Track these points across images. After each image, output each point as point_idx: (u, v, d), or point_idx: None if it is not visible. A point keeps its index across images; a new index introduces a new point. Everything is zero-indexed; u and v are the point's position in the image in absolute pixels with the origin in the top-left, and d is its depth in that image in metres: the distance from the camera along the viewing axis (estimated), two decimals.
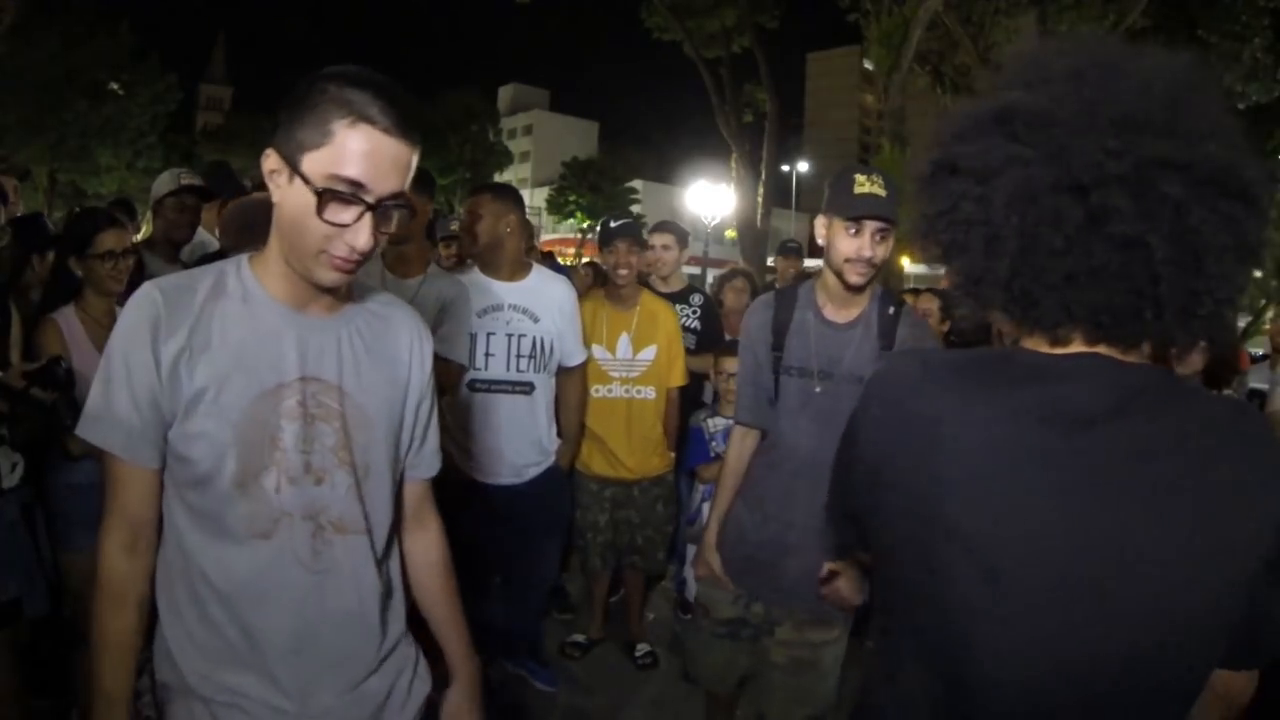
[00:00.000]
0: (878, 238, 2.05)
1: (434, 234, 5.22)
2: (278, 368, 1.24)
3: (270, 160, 1.18)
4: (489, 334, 3.02)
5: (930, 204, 0.96)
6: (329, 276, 1.21)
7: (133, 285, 3.37)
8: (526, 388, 3.06)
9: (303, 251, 1.19)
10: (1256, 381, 3.70)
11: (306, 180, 1.14)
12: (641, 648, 3.65)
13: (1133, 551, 0.84)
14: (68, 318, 2.52)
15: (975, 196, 0.91)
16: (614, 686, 3.45)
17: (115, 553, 1.23)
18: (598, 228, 3.63)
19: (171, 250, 3.52)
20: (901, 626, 1.01)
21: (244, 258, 1.29)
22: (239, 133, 41.42)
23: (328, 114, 1.13)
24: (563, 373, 3.20)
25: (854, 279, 2.07)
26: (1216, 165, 0.83)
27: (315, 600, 1.27)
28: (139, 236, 3.52)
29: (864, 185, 2.03)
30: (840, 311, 2.18)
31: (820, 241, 2.13)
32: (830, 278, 2.15)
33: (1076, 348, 0.92)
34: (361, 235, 1.17)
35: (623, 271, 3.38)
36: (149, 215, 3.67)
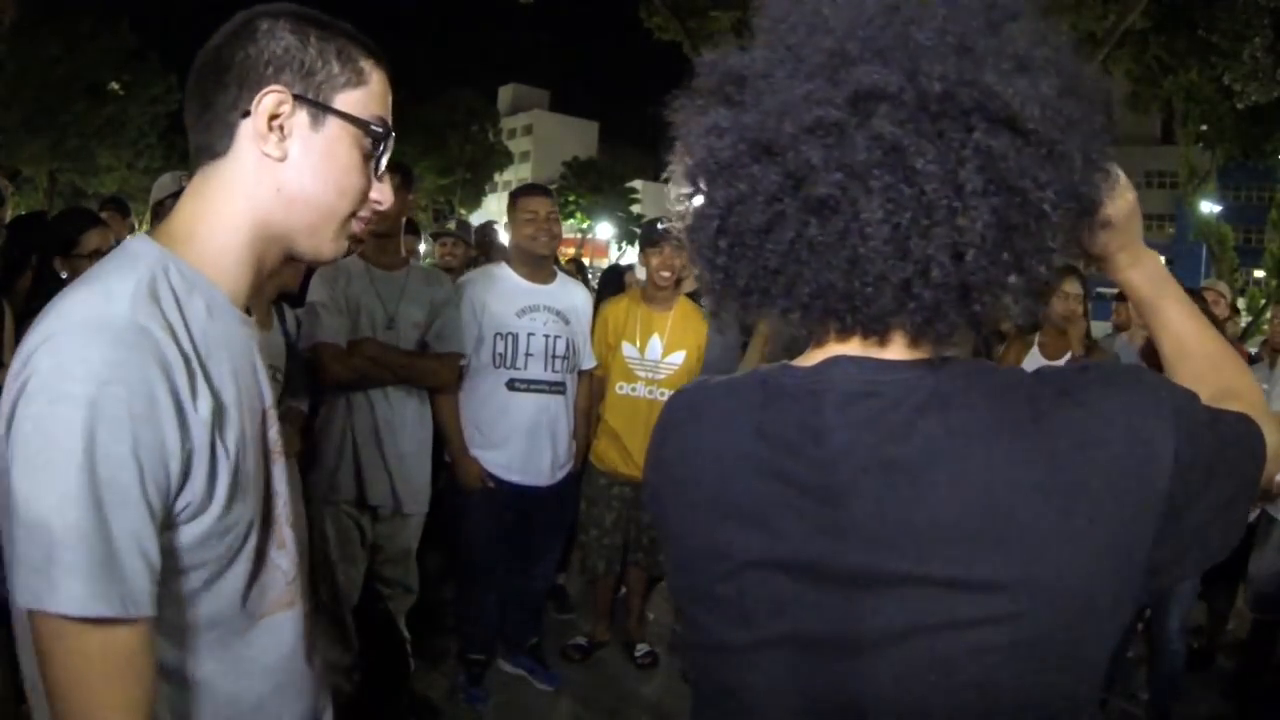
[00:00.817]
0: None
1: (415, 229, 5.24)
2: (257, 402, 0.95)
3: (275, 100, 0.89)
4: (529, 334, 3.05)
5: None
6: (341, 246, 0.98)
7: None
8: (561, 388, 3.13)
9: (328, 214, 0.94)
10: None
11: (358, 122, 0.93)
12: (641, 648, 3.64)
13: None
14: None
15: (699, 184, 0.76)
16: (614, 686, 3.45)
17: None
18: (639, 230, 3.69)
19: None
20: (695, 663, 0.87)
21: (159, 252, 0.89)
22: None
23: (351, 49, 0.93)
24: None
25: None
26: (949, 86, 0.63)
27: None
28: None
29: None
30: None
31: None
32: None
33: (896, 352, 0.73)
34: (387, 190, 0.99)
35: (665, 274, 3.38)
36: (147, 216, 3.67)
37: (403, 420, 2.79)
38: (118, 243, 3.33)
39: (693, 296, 3.48)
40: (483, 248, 5.48)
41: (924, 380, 0.70)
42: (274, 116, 0.90)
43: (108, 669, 0.76)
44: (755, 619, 0.74)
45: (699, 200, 0.74)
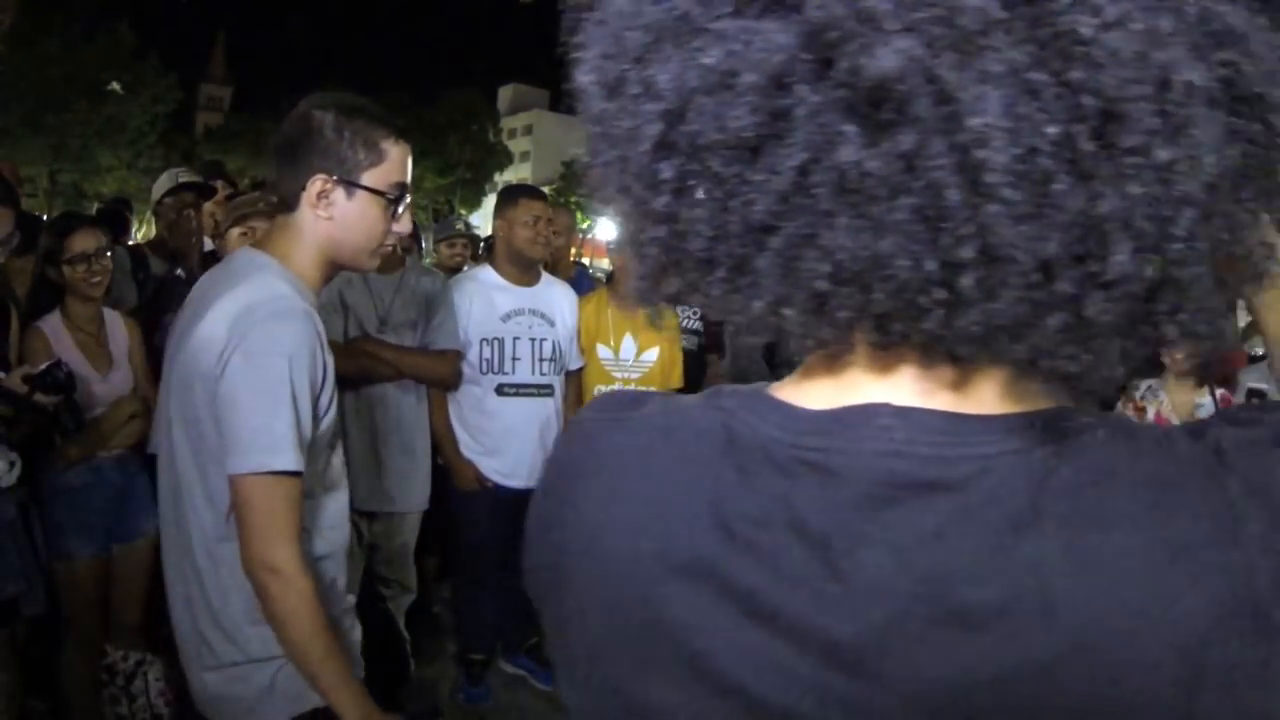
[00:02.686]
0: None
1: (416, 231, 5.25)
2: (328, 364, 1.46)
3: (320, 184, 1.37)
4: (515, 338, 3.05)
5: None
6: (375, 262, 1.49)
7: (141, 287, 3.39)
8: (549, 391, 3.12)
9: (364, 249, 1.43)
10: (1254, 381, 3.69)
11: (377, 192, 1.40)
12: None
13: None
14: (53, 326, 2.50)
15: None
16: None
17: (299, 568, 1.30)
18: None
19: (173, 251, 3.51)
20: None
21: (268, 260, 1.40)
22: (239, 133, 41.39)
23: (374, 135, 1.39)
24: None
25: None
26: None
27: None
28: (140, 236, 3.51)
29: None
30: None
31: None
32: None
33: (979, 400, 0.43)
34: (406, 222, 1.46)
35: None
36: (149, 216, 3.67)
37: (399, 420, 2.79)
38: (120, 245, 3.33)
39: None
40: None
41: (1034, 459, 0.39)
42: (320, 193, 1.38)
43: (291, 504, 1.31)
44: None
45: (629, 89, 0.41)
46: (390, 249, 1.50)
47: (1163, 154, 0.33)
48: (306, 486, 1.36)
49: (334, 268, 1.46)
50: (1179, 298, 0.36)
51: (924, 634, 0.39)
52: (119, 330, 2.66)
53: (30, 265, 2.69)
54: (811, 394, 0.46)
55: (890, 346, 0.42)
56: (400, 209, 1.43)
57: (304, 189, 1.38)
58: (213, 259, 3.18)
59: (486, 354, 3.04)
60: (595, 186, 0.46)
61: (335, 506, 1.52)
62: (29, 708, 2.47)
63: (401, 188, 1.43)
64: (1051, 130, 0.33)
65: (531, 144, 67.17)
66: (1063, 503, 0.38)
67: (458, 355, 2.94)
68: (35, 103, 24.37)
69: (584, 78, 0.44)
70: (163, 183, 3.60)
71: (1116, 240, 0.34)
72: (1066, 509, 0.38)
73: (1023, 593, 0.37)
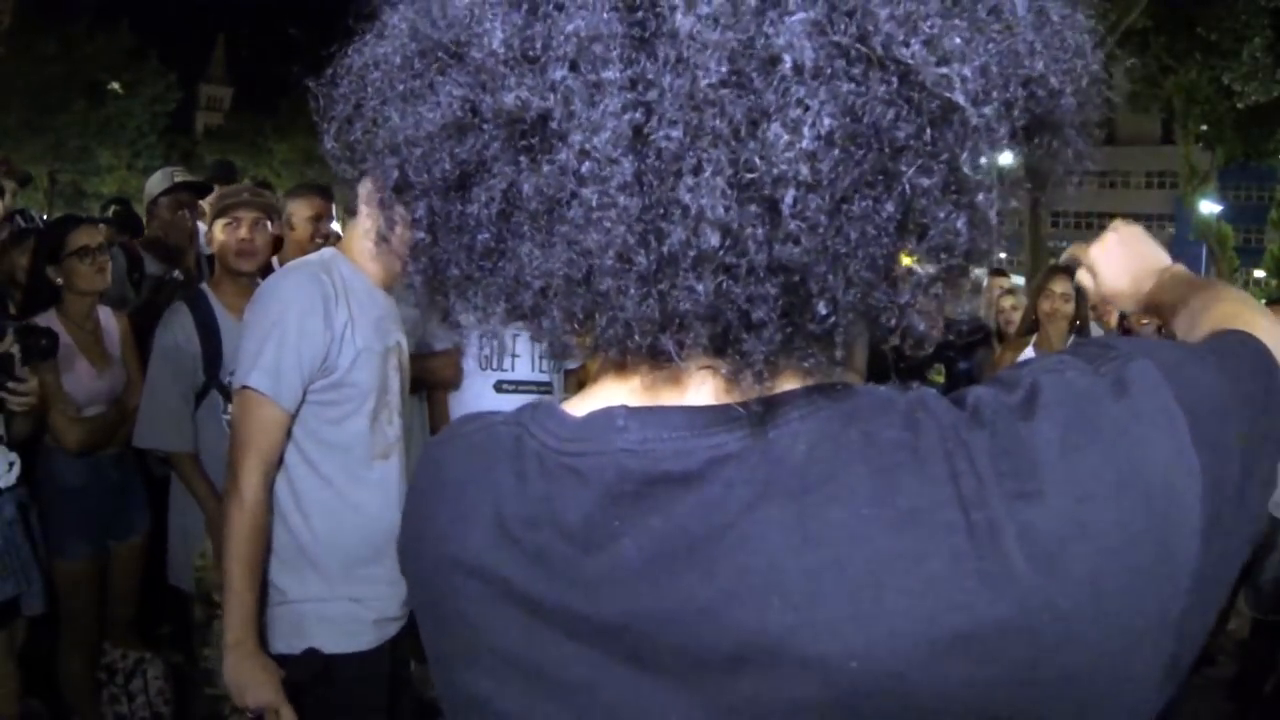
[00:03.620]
0: None
1: None
2: (385, 336, 1.69)
3: (369, 184, 1.61)
4: (514, 334, 3.04)
5: None
6: None
7: (136, 288, 3.38)
8: (548, 387, 3.12)
9: None
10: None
11: None
12: None
13: None
14: (51, 322, 2.50)
15: None
16: None
17: (258, 486, 1.54)
18: None
19: (168, 250, 3.50)
20: None
21: (334, 253, 1.71)
22: (239, 133, 41.39)
23: None
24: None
25: None
26: None
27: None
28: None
29: None
30: None
31: None
32: None
33: (700, 389, 0.46)
34: None
35: None
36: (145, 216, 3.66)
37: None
38: (120, 245, 3.32)
39: None
40: None
41: (770, 441, 0.41)
42: (369, 195, 1.45)
43: (261, 425, 1.55)
44: None
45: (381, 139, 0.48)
46: None
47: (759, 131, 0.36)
48: (345, 443, 1.62)
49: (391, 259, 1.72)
50: (811, 280, 0.38)
51: (668, 616, 0.41)
52: (113, 328, 2.67)
53: (26, 258, 2.70)
54: (585, 402, 0.49)
55: (600, 349, 0.46)
56: None
57: (358, 193, 1.60)
58: (212, 262, 3.18)
59: (485, 350, 3.04)
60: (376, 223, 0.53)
61: (383, 476, 1.70)
62: (29, 708, 2.46)
63: None
64: (676, 130, 0.36)
65: None
66: (791, 481, 0.40)
67: (458, 353, 2.94)
68: (34, 103, 24.37)
69: (338, 116, 0.51)
70: (157, 182, 3.56)
71: (708, 226, 0.37)
72: (795, 486, 0.39)
73: (752, 572, 0.39)
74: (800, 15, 0.35)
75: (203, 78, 68.37)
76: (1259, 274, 24.51)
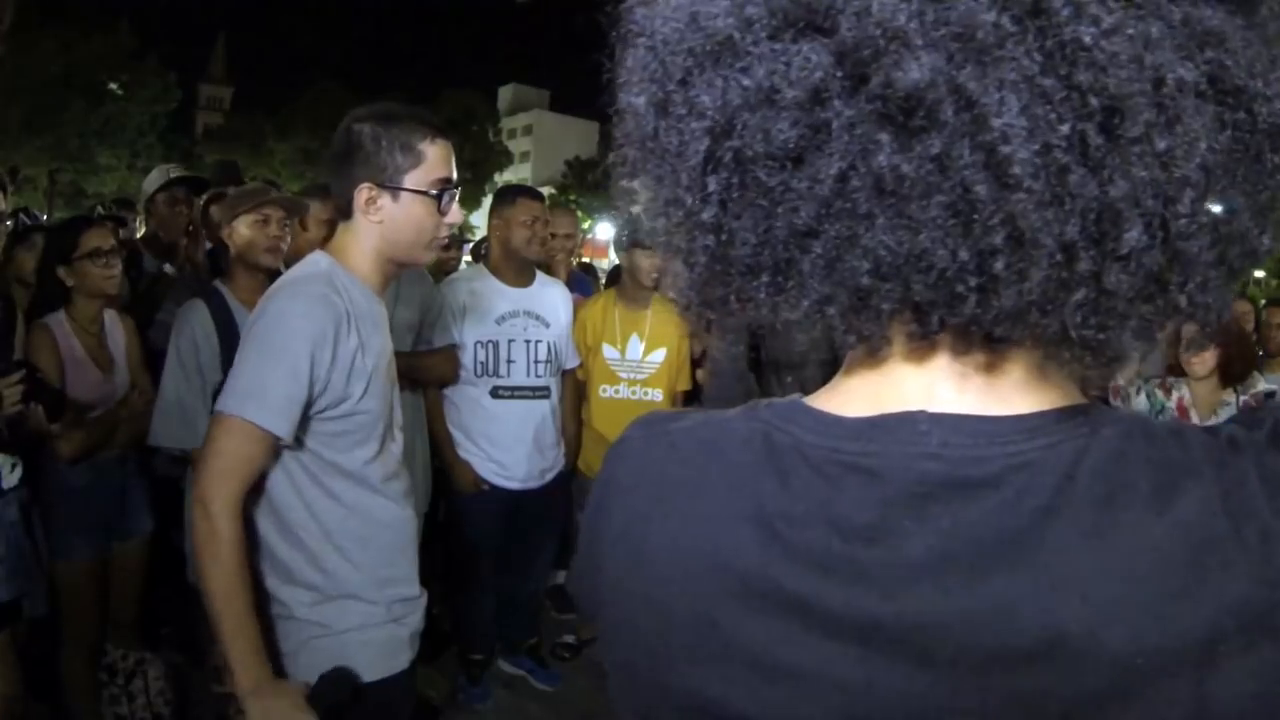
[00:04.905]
0: None
1: None
2: (386, 347, 1.61)
3: (366, 192, 1.51)
4: (509, 340, 3.04)
5: None
6: (431, 256, 1.66)
7: (133, 284, 3.38)
8: (545, 392, 3.13)
9: (417, 245, 1.56)
10: (1269, 385, 3.67)
11: (420, 192, 1.52)
12: None
13: None
14: (60, 324, 2.50)
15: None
16: None
17: (235, 517, 1.43)
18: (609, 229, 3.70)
19: (165, 247, 3.50)
20: None
21: (330, 261, 1.56)
22: (239, 133, 41.36)
23: (411, 139, 1.51)
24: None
25: None
26: None
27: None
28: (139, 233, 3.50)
29: None
30: None
31: None
32: None
33: (1011, 387, 0.47)
34: (455, 213, 1.57)
35: (655, 275, 3.31)
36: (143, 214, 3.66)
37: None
38: (123, 244, 3.33)
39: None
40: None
41: (1062, 452, 0.43)
42: (367, 200, 1.52)
43: (249, 457, 1.44)
44: None
45: (676, 109, 0.45)
46: (446, 240, 1.64)
47: (1161, 142, 0.38)
48: (361, 468, 1.55)
49: (392, 265, 1.59)
50: (1186, 270, 0.41)
51: (960, 615, 0.42)
52: (117, 330, 2.67)
53: (32, 260, 2.69)
54: (849, 401, 0.49)
55: (928, 335, 0.44)
56: (446, 202, 1.55)
57: (353, 198, 1.53)
58: (215, 258, 3.18)
59: (481, 357, 3.03)
60: (643, 202, 0.50)
61: (395, 489, 1.64)
62: (29, 708, 2.46)
63: (445, 183, 1.55)
64: (1064, 127, 0.38)
65: (531, 144, 67.14)
66: (1084, 490, 0.42)
67: (455, 349, 2.94)
68: (35, 103, 24.36)
69: (630, 99, 0.48)
70: (154, 179, 3.58)
71: (1128, 219, 0.39)
72: (1087, 495, 0.42)
73: (1049, 574, 0.41)
74: (1171, 44, 0.39)
75: (203, 78, 68.32)
76: (1259, 274, 24.50)
